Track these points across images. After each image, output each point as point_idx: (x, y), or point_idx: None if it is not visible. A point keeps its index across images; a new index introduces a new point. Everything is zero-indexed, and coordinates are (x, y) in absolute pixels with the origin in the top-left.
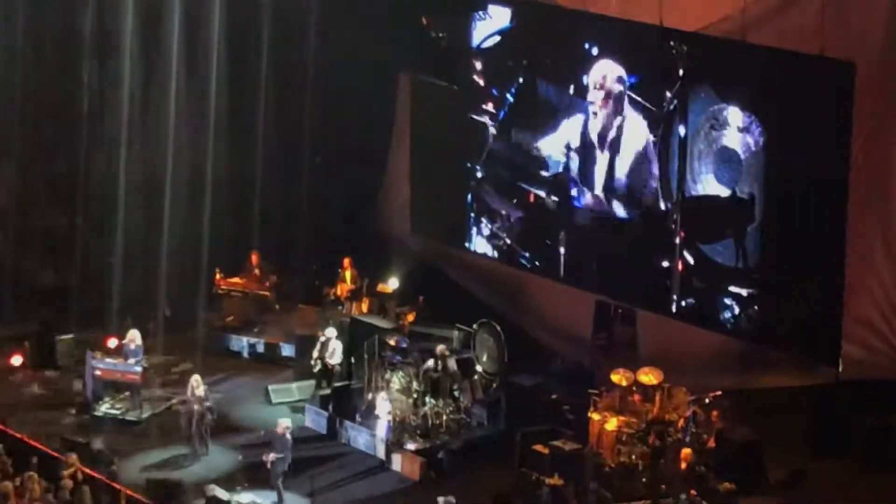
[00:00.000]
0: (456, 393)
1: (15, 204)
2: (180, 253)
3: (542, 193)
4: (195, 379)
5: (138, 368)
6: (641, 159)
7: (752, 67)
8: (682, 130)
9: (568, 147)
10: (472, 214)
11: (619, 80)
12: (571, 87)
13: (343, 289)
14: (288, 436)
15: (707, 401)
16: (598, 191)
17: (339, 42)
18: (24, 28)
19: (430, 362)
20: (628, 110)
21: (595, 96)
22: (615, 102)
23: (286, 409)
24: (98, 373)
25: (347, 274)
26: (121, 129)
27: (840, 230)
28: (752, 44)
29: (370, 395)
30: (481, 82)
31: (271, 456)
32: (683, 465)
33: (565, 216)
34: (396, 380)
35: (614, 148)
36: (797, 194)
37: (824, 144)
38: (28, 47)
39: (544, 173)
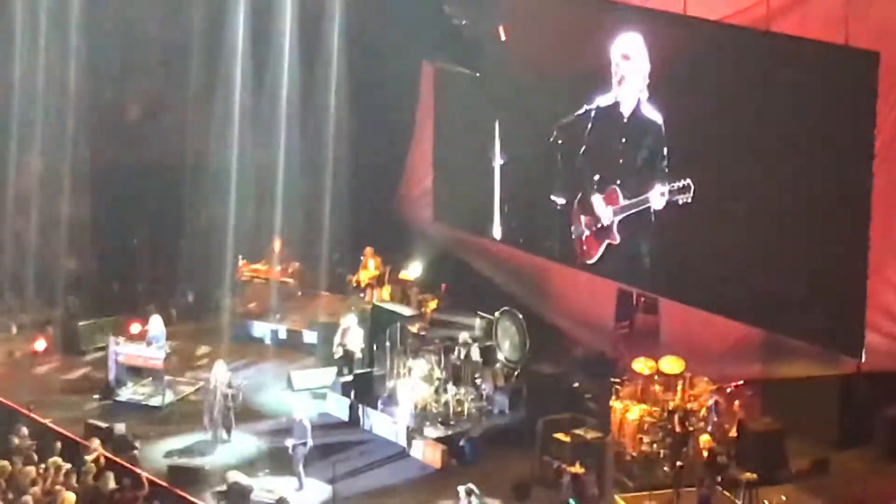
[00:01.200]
0: (478, 381)
1: (38, 190)
2: (204, 239)
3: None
4: (219, 365)
5: (161, 354)
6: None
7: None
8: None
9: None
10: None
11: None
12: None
13: (365, 276)
14: (306, 422)
15: (729, 390)
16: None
17: (363, 30)
18: (48, 15)
19: (454, 350)
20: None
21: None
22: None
23: (308, 395)
24: (121, 358)
25: (370, 262)
26: (144, 115)
27: (863, 220)
28: (775, 33)
29: (392, 383)
30: None
31: (290, 442)
32: (705, 455)
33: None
34: (418, 367)
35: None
36: (821, 184)
37: (848, 134)
38: (51, 34)
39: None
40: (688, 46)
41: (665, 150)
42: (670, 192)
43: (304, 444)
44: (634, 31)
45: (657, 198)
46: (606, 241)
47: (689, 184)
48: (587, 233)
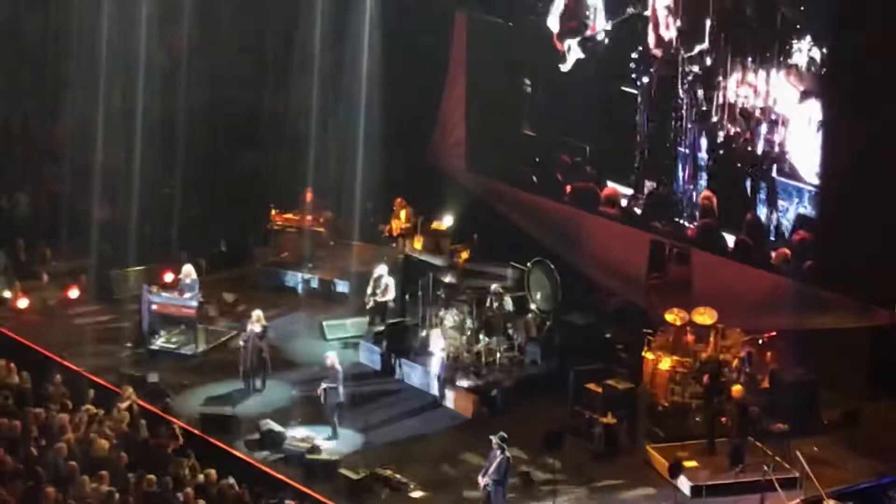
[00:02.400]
0: (510, 331)
1: (71, 138)
2: (236, 188)
3: None
4: (256, 314)
5: (194, 303)
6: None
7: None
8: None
9: None
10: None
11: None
12: None
13: (397, 226)
14: (337, 366)
15: (761, 341)
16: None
17: None
18: None
19: (486, 300)
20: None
21: None
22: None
23: (340, 345)
24: (154, 307)
25: (402, 212)
26: (177, 64)
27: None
28: None
29: (424, 332)
30: None
31: (322, 386)
32: (737, 405)
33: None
34: (450, 317)
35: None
36: (855, 137)
37: (882, 87)
38: None
39: None
40: None
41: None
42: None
43: (336, 388)
44: None
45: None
46: (645, 175)
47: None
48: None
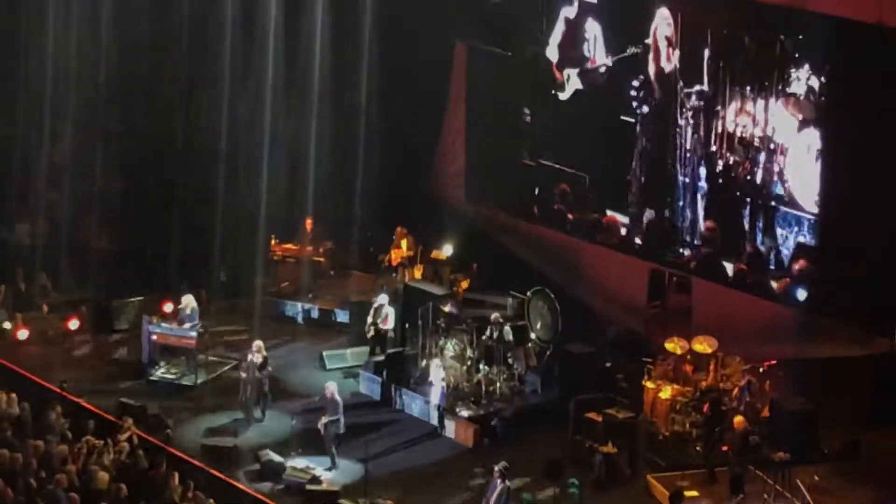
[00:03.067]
0: (510, 360)
1: (72, 168)
2: (236, 218)
3: None
4: (256, 345)
5: (193, 333)
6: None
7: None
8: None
9: None
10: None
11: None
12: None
13: (398, 255)
14: (337, 398)
15: (761, 370)
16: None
17: (396, 8)
18: None
19: (486, 330)
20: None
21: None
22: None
23: (339, 374)
24: (154, 337)
25: (403, 241)
26: (179, 95)
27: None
28: (811, 11)
29: (424, 362)
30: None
31: (323, 419)
32: (737, 434)
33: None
34: (450, 346)
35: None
36: (854, 165)
37: (881, 115)
38: (87, 10)
39: None
40: (719, 21)
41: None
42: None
43: (337, 421)
44: (667, 7)
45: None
46: (644, 204)
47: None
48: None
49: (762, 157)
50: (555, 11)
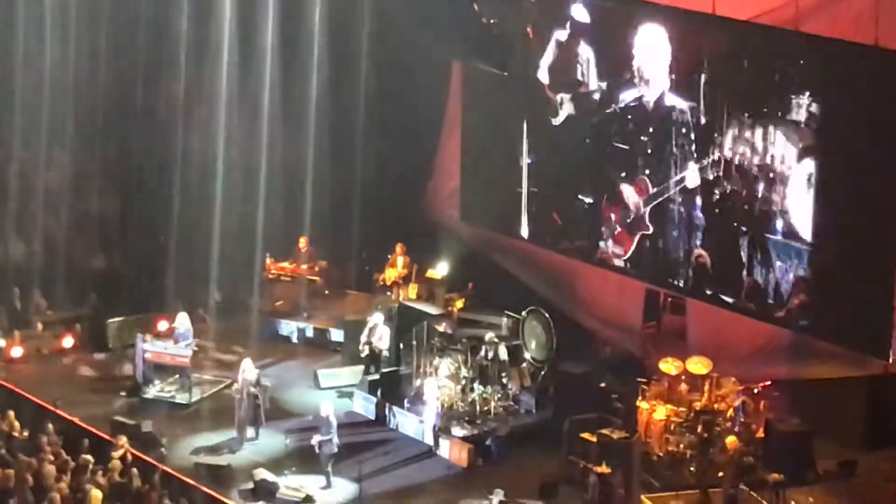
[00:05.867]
0: (504, 380)
1: (67, 188)
2: (231, 237)
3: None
4: (246, 363)
5: (188, 352)
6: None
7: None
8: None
9: None
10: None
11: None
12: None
13: (393, 275)
14: (332, 418)
15: (756, 391)
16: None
17: (392, 29)
18: (78, 15)
19: (481, 350)
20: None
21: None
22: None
23: (334, 393)
24: (148, 356)
25: (399, 260)
26: (174, 115)
27: (893, 222)
28: (805, 33)
29: (418, 381)
30: None
31: (317, 438)
32: (732, 455)
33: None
34: (445, 366)
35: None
36: (849, 186)
37: (877, 136)
38: (83, 34)
39: None
40: (715, 45)
41: (693, 134)
42: (701, 169)
43: (331, 440)
44: (658, 25)
45: (692, 175)
46: (640, 233)
47: (721, 157)
48: (618, 229)
49: (761, 186)
50: (547, 33)
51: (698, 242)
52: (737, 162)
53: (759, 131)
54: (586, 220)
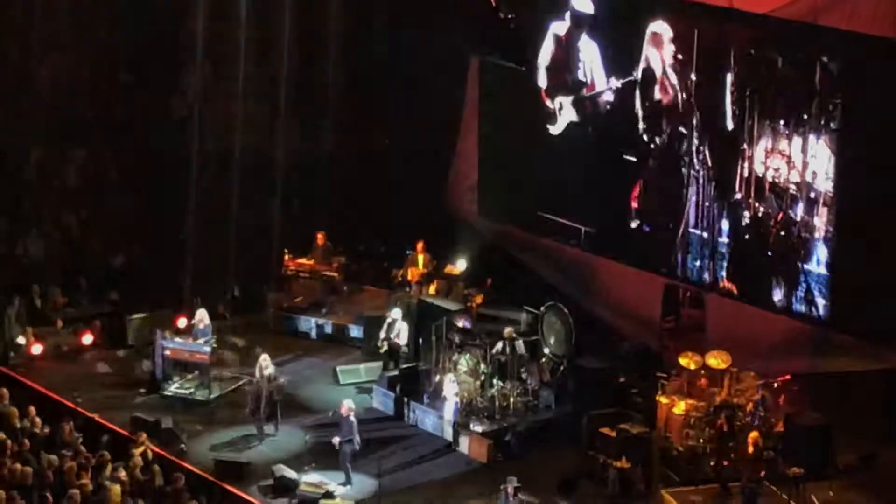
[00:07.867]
0: (523, 375)
1: (87, 185)
2: (250, 234)
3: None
4: (264, 359)
5: (207, 348)
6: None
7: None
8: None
9: None
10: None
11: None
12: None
13: (414, 272)
14: (352, 417)
15: (776, 385)
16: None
17: (409, 24)
18: (94, 8)
19: (499, 345)
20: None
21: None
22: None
23: (353, 389)
24: (167, 352)
25: (420, 257)
26: (192, 110)
27: None
28: (823, 26)
29: (437, 377)
30: None
31: (337, 438)
32: (751, 449)
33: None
34: (464, 361)
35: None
36: (870, 180)
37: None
38: (100, 29)
39: None
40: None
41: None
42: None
43: (351, 440)
44: (680, 21)
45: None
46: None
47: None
48: None
49: (800, 207)
50: (542, 27)
51: (723, 274)
52: (770, 179)
53: (797, 141)
54: (589, 246)
